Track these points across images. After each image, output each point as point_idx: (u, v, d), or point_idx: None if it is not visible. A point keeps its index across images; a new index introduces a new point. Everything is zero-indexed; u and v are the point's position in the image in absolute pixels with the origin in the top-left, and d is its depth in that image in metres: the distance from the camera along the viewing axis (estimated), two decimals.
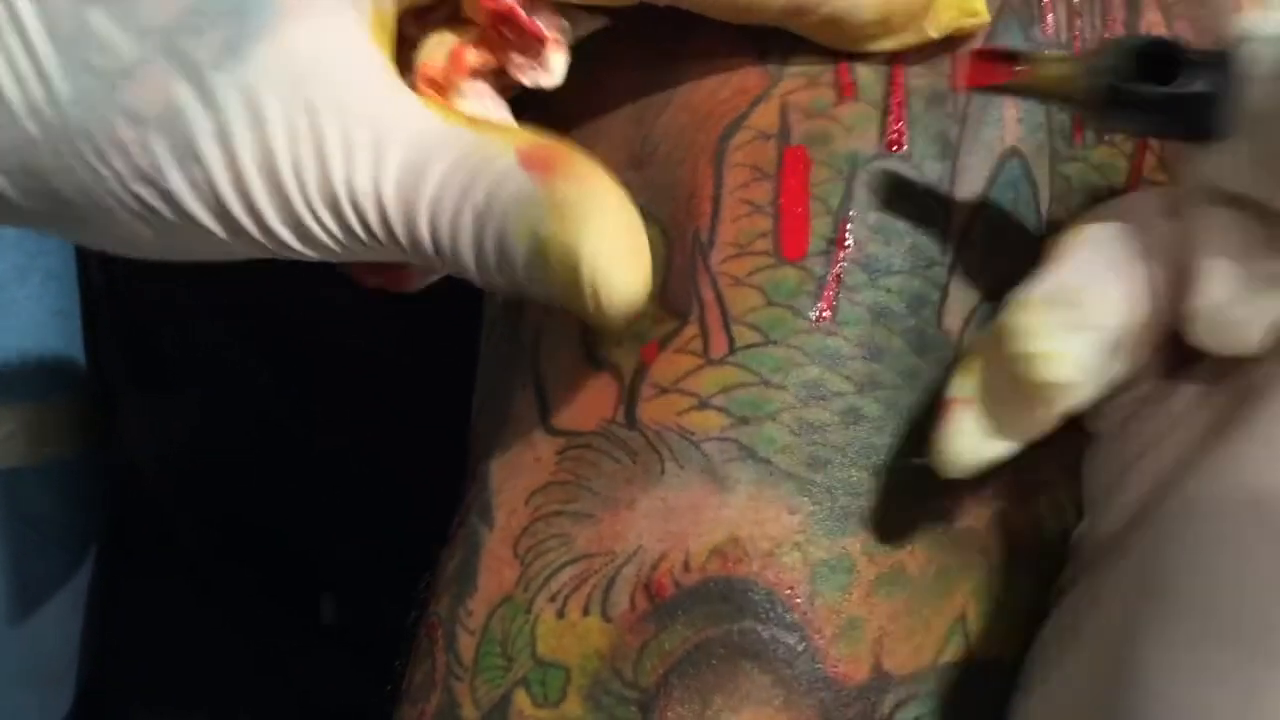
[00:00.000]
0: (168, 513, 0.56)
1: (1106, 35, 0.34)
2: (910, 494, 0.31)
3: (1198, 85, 0.28)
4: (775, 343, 0.32)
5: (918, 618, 0.31)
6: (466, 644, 0.32)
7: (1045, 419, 0.30)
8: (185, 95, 0.29)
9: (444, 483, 0.37)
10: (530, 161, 0.30)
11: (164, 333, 0.58)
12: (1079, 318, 0.29)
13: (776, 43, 0.33)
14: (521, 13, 0.32)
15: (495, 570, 0.32)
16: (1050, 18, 0.33)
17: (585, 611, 0.31)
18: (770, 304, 0.32)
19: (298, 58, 0.29)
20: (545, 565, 0.32)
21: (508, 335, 0.36)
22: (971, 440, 0.30)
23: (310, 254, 0.31)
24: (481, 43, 0.32)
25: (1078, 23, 0.34)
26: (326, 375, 0.55)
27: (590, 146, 0.33)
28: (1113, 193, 0.33)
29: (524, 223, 0.29)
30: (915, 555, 0.31)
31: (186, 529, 0.56)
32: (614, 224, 0.29)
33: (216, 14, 0.29)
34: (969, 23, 0.32)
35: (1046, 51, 0.30)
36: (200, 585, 0.55)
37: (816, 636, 0.30)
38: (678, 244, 0.33)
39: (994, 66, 0.30)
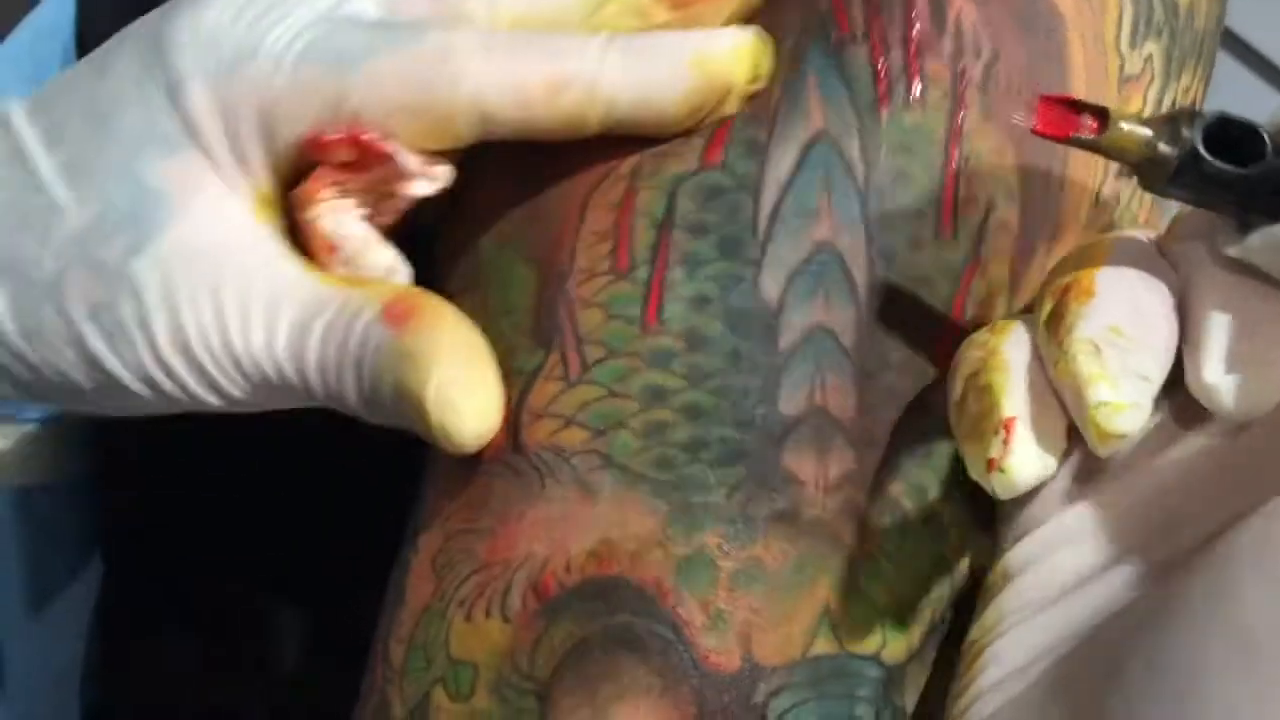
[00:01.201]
0: (176, 529, 0.59)
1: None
2: (753, 487, 0.34)
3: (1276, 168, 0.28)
4: (617, 354, 0.34)
5: (781, 609, 0.33)
6: (397, 652, 0.35)
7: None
8: (103, 291, 0.35)
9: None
10: (391, 315, 0.34)
11: None
12: (1139, 365, 0.29)
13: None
14: (365, 136, 0.35)
15: (417, 586, 0.36)
16: (844, 18, 0.36)
17: (488, 614, 0.34)
18: (610, 318, 0.35)
19: (189, 247, 0.35)
20: (455, 577, 0.35)
21: None
22: (1034, 456, 0.31)
23: (237, 408, 0.36)
24: (340, 169, 0.35)
25: (877, 21, 0.36)
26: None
27: (471, 221, 0.37)
28: (929, 154, 0.35)
29: (385, 372, 0.34)
30: (769, 548, 0.33)
31: (195, 549, 0.58)
32: (460, 368, 0.34)
33: (120, 222, 0.35)
34: (760, 86, 0.36)
35: (1119, 110, 0.30)
36: (209, 595, 0.58)
37: (687, 628, 0.32)
38: (547, 278, 0.36)
39: (1065, 116, 0.30)
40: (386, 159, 0.35)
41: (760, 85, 0.36)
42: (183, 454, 0.58)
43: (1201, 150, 0.29)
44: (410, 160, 0.35)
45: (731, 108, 0.36)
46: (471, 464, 0.36)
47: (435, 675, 0.35)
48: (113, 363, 0.35)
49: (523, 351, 0.36)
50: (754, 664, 0.32)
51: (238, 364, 0.35)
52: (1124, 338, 0.30)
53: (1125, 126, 0.30)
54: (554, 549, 0.34)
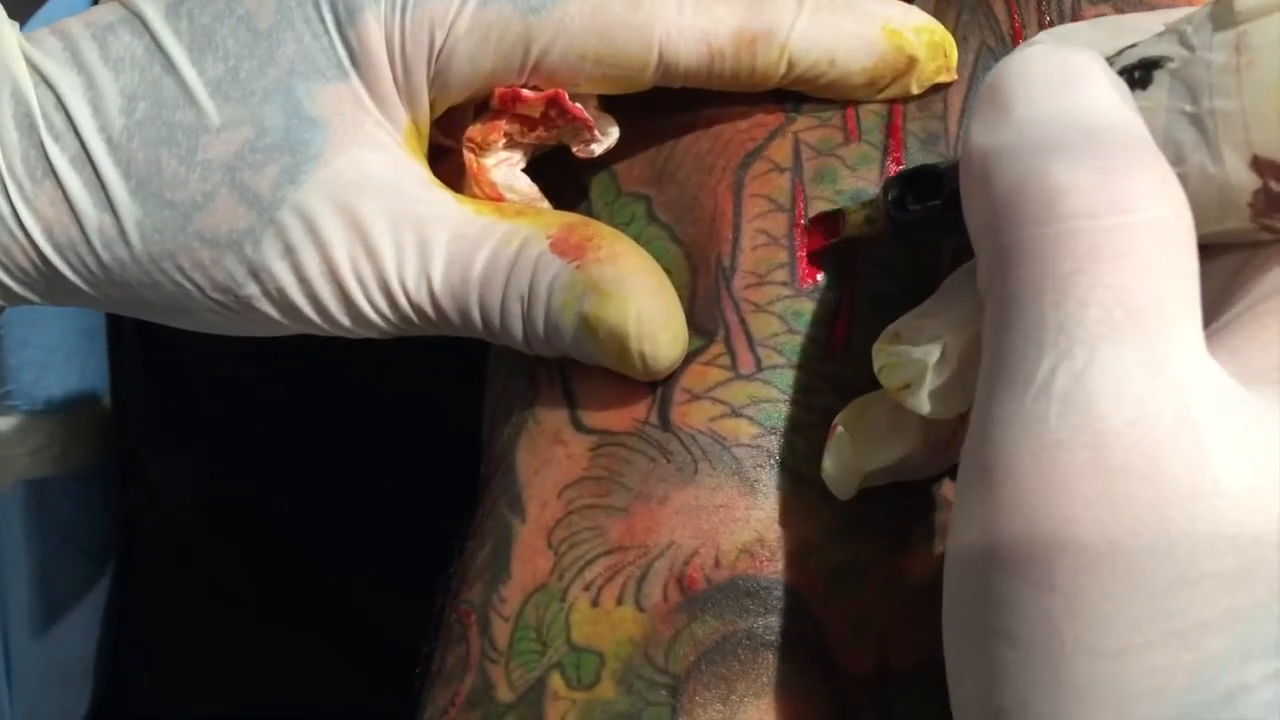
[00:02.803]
0: (186, 533, 0.57)
1: None
2: (911, 507, 0.33)
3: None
4: (797, 367, 0.34)
5: (919, 617, 0.32)
6: (501, 629, 0.33)
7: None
8: (251, 220, 0.33)
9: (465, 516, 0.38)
10: (562, 247, 0.34)
11: (189, 360, 0.59)
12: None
13: (789, 90, 0.36)
14: (567, 98, 0.34)
15: (528, 560, 0.34)
16: (1022, 38, 0.36)
17: (619, 601, 0.32)
18: (790, 331, 0.34)
19: (344, 179, 0.33)
20: (579, 556, 0.33)
21: None
22: None
23: (364, 335, 0.35)
24: (516, 119, 0.35)
25: None
26: (354, 416, 0.57)
27: (613, 162, 0.36)
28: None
29: (568, 304, 0.34)
30: (917, 561, 0.33)
31: (204, 548, 0.57)
32: (653, 297, 0.34)
33: (272, 148, 0.33)
34: (945, 77, 0.35)
35: (847, 206, 0.33)
36: (215, 592, 0.56)
37: (831, 632, 0.32)
38: (700, 268, 0.35)
39: (822, 229, 0.34)
40: (578, 123, 0.35)
41: (948, 78, 0.35)
42: (194, 448, 0.56)
43: (891, 210, 0.32)
44: (595, 122, 0.35)
45: (912, 88, 0.35)
46: (588, 429, 0.35)
47: (552, 660, 0.32)
48: (250, 290, 0.34)
49: None
50: (887, 667, 0.32)
51: (389, 296, 0.34)
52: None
53: (851, 216, 0.33)
54: (703, 540, 0.32)
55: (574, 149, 0.35)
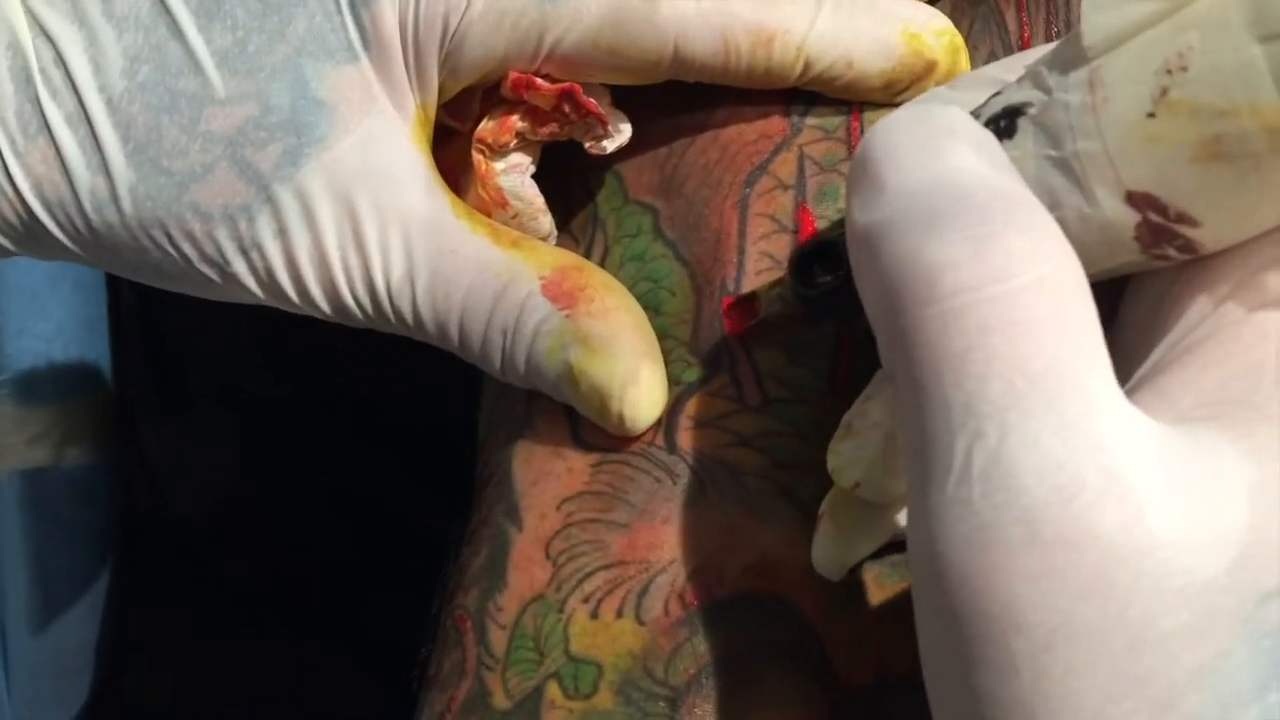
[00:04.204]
0: (185, 524, 0.57)
1: None
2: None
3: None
4: (803, 402, 0.33)
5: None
6: (498, 637, 0.33)
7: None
8: (248, 197, 0.33)
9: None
10: (554, 292, 0.34)
11: (190, 352, 0.59)
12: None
13: (798, 89, 0.35)
14: (581, 92, 0.34)
15: (525, 569, 0.34)
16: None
17: (619, 614, 0.32)
18: (794, 363, 0.34)
19: (346, 167, 0.33)
20: (579, 568, 0.33)
21: None
22: None
23: (340, 321, 0.35)
24: (529, 114, 0.35)
25: None
26: (356, 414, 0.57)
27: (620, 163, 0.36)
28: None
29: (553, 350, 0.34)
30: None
31: (205, 544, 0.57)
32: (639, 360, 0.34)
33: (276, 127, 0.33)
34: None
35: (759, 289, 0.33)
36: (214, 586, 0.56)
37: (831, 648, 0.32)
38: (704, 290, 0.35)
39: (742, 311, 0.34)
40: (591, 118, 0.34)
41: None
42: (194, 442, 0.56)
43: (796, 287, 0.31)
44: (609, 118, 0.34)
45: (914, 94, 0.35)
46: (589, 445, 0.35)
47: (550, 670, 0.32)
48: (238, 266, 0.33)
49: (678, 360, 0.35)
50: (886, 678, 0.32)
51: (373, 292, 0.34)
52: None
53: (764, 297, 0.33)
54: (705, 559, 0.32)
55: (586, 145, 0.35)
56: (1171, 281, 0.26)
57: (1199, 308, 0.26)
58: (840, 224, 0.28)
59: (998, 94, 0.28)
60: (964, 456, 0.23)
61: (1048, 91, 0.26)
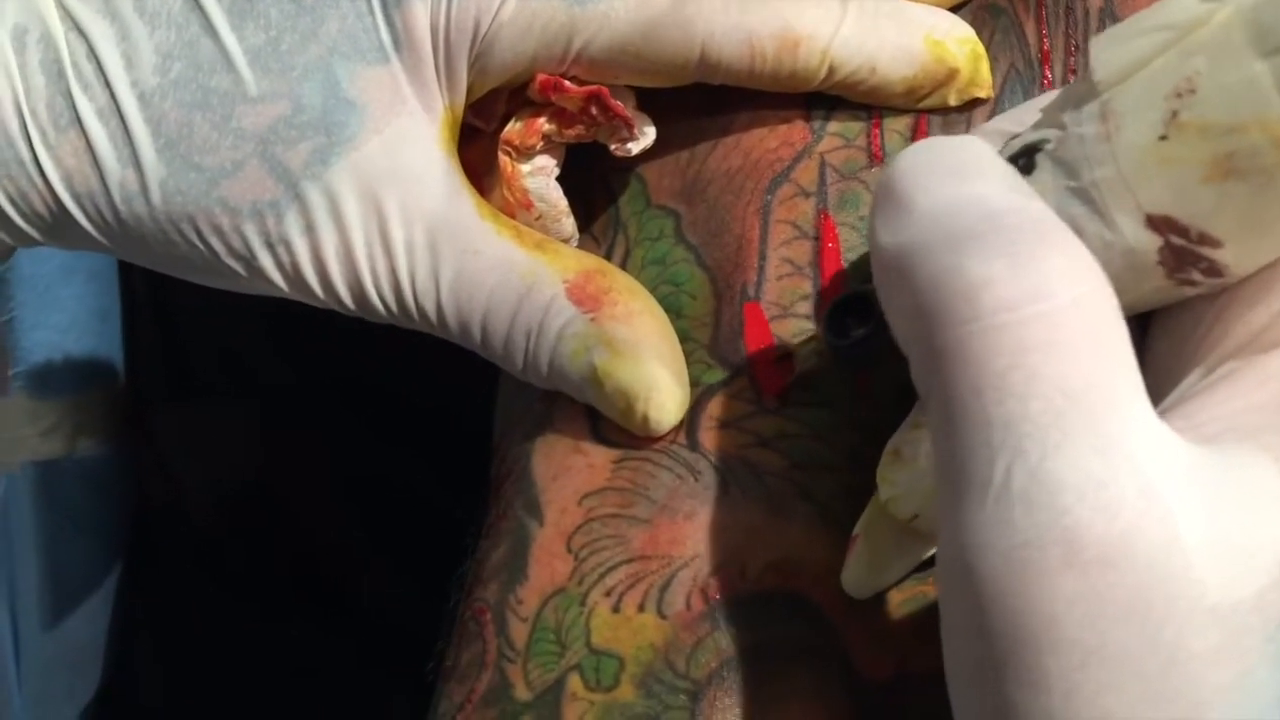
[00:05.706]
0: (197, 514, 0.57)
1: None
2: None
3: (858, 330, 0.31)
4: (822, 405, 0.34)
5: (936, 629, 0.33)
6: (519, 629, 0.33)
7: None
8: (277, 193, 0.33)
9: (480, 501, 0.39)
10: (579, 295, 0.34)
11: (203, 344, 0.59)
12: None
13: (820, 95, 0.36)
14: (609, 95, 0.34)
15: (546, 563, 0.34)
16: (1049, 71, 0.36)
17: (641, 608, 0.32)
18: (815, 368, 0.34)
19: (375, 166, 0.33)
20: (600, 562, 0.33)
21: None
22: None
23: (362, 316, 0.35)
24: (555, 116, 0.35)
25: (1072, 78, 0.36)
26: (370, 404, 0.57)
27: (643, 167, 0.37)
28: None
29: (578, 353, 0.34)
30: (934, 584, 0.33)
31: (218, 537, 0.57)
32: (664, 364, 0.34)
33: (307, 126, 0.33)
34: (978, 93, 0.36)
35: (795, 343, 0.34)
36: (223, 579, 0.56)
37: (851, 645, 0.32)
38: (725, 295, 0.35)
39: (779, 370, 0.34)
40: (618, 121, 0.35)
41: (985, 94, 0.36)
42: (206, 430, 0.56)
43: (829, 341, 0.32)
44: (635, 121, 0.35)
45: (950, 100, 0.35)
46: (611, 441, 0.35)
47: (571, 662, 0.33)
48: (264, 260, 0.34)
49: (699, 362, 0.35)
50: (905, 673, 0.32)
51: (398, 291, 0.34)
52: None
53: (799, 353, 0.34)
54: (728, 556, 0.33)
55: (611, 147, 0.35)
56: (1204, 312, 0.27)
57: (1234, 339, 0.26)
58: (868, 276, 0.28)
59: (1015, 137, 0.28)
60: (1004, 473, 0.23)
61: (1062, 128, 0.27)
